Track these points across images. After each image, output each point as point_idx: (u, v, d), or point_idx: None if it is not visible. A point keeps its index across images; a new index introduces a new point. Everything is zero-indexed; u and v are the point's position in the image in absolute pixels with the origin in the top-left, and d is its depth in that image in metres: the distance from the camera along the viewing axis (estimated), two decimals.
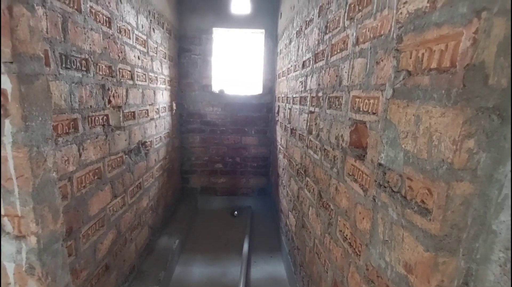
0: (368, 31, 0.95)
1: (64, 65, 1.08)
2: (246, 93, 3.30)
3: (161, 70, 2.47)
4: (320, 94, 1.46)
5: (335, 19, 1.27)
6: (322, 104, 1.42)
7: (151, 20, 2.14)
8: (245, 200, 3.45)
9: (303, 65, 1.85)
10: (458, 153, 0.44)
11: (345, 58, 1.13)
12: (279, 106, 2.87)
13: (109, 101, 1.47)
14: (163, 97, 2.54)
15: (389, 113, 0.61)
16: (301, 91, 1.89)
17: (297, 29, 2.07)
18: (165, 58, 2.58)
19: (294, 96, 2.12)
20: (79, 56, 1.19)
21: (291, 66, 2.27)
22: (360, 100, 0.99)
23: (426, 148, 0.51)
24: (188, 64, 3.17)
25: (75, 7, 1.16)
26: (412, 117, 0.54)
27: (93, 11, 1.31)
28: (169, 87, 2.75)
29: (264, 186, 3.52)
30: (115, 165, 1.56)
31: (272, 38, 3.14)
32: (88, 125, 1.27)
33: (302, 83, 1.88)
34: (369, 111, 0.92)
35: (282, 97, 2.66)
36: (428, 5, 0.49)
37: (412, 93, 0.54)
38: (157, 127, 2.35)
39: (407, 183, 0.56)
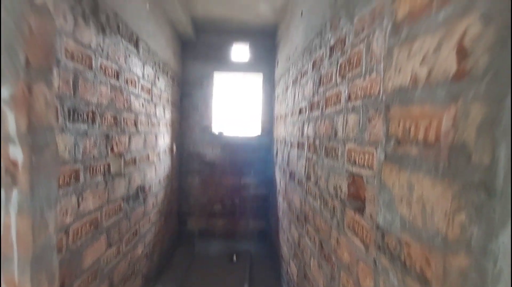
0: (359, 89, 1.02)
1: (71, 119, 1.14)
2: (245, 134, 3.38)
3: (164, 114, 2.56)
4: (317, 142, 1.50)
5: (328, 74, 1.37)
6: (319, 152, 1.46)
7: (156, 70, 2.28)
8: (244, 243, 3.32)
9: (300, 112, 1.94)
10: (451, 225, 0.45)
11: (339, 112, 1.20)
12: (277, 148, 2.92)
13: (112, 150, 1.50)
14: (164, 140, 2.59)
15: (383, 175, 0.63)
16: (298, 137, 1.95)
17: (293, 78, 2.21)
18: (167, 103, 2.70)
19: (292, 140, 2.18)
20: (87, 109, 1.26)
21: (289, 111, 2.37)
22: (356, 153, 1.02)
23: (421, 216, 0.52)
24: (189, 107, 3.30)
25: (87, 64, 1.26)
26: (405, 183, 0.56)
27: (103, 66, 1.41)
28: (170, 130, 2.82)
29: (264, 229, 3.41)
30: (113, 213, 1.54)
31: (270, 83, 3.32)
32: (90, 174, 1.29)
33: (299, 129, 1.95)
34: (365, 165, 0.94)
35: (281, 140, 2.72)
36: (410, 84, 0.55)
37: (403, 161, 0.57)
38: (157, 171, 2.36)
39: (406, 249, 0.56)
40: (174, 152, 3.00)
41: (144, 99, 2.03)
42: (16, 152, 0.54)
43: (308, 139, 1.70)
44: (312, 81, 1.65)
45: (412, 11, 0.55)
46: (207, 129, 3.32)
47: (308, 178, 1.68)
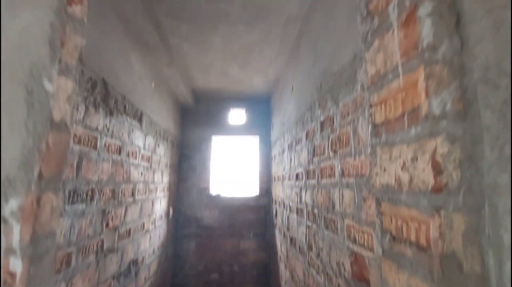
0: (351, 167, 1.07)
1: (70, 201, 1.15)
2: (243, 195, 3.35)
3: (162, 179, 2.58)
4: (315, 211, 1.50)
5: (321, 147, 1.44)
6: (318, 222, 1.44)
7: (157, 138, 2.39)
8: None
9: (297, 177, 1.97)
10: None
11: (335, 185, 1.23)
12: (276, 209, 2.87)
13: (107, 225, 1.47)
14: (160, 205, 2.55)
15: (383, 272, 0.62)
16: (297, 202, 1.94)
17: (289, 143, 2.31)
18: (166, 167, 2.74)
19: (291, 204, 2.16)
20: (87, 188, 1.28)
21: (286, 174, 2.41)
22: (355, 231, 1.02)
23: None
24: (188, 169, 3.34)
25: (92, 145, 1.33)
26: (405, 285, 0.56)
27: (107, 144, 1.48)
28: (167, 193, 2.80)
29: None
30: None
31: (266, 144, 3.44)
32: (82, 256, 1.23)
33: (297, 195, 1.95)
34: (365, 245, 0.93)
35: (279, 202, 2.70)
36: (396, 185, 0.59)
37: (400, 260, 0.57)
38: (151, 239, 2.27)
39: None
40: (171, 216, 2.93)
41: (143, 167, 2.07)
42: (16, 264, 0.54)
43: (306, 207, 1.70)
44: (306, 149, 1.73)
45: (387, 120, 0.63)
46: (205, 191, 3.30)
47: (309, 248, 1.62)
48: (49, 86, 0.58)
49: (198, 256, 3.14)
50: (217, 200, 3.27)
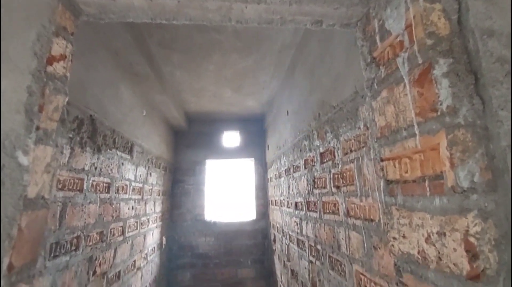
0: (357, 208, 1.01)
1: (52, 255, 1.04)
2: (239, 219, 3.24)
3: (154, 208, 2.46)
4: (319, 247, 1.42)
5: (322, 179, 1.39)
6: (323, 260, 1.36)
7: (149, 167, 2.29)
8: None
9: (296, 207, 1.90)
10: None
11: (339, 223, 1.16)
12: (275, 235, 2.77)
13: (94, 273, 1.35)
14: (153, 237, 2.42)
15: None
16: (297, 233, 1.86)
17: (285, 167, 2.25)
18: (159, 195, 2.63)
19: (290, 234, 2.07)
20: (71, 236, 1.17)
21: (283, 200, 2.33)
22: (366, 279, 0.94)
23: None
24: (181, 194, 3.22)
25: (78, 188, 1.23)
26: None
27: (95, 184, 1.38)
28: (160, 223, 2.67)
29: None
30: None
31: (262, 165, 3.37)
32: None
33: (297, 224, 1.87)
34: None
35: (278, 227, 2.60)
36: (420, 259, 0.53)
37: None
38: (143, 277, 2.12)
39: None
40: (164, 247, 2.78)
41: (134, 201, 1.96)
42: None
43: (308, 240, 1.62)
44: (306, 179, 1.67)
45: (404, 180, 0.58)
46: (199, 216, 3.17)
47: (313, 285, 1.53)
48: (23, 159, 0.50)
49: None
50: (212, 227, 3.14)
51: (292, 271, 2.01)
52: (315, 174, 1.49)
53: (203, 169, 3.32)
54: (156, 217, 2.55)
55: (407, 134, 0.57)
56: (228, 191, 3.40)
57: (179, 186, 3.24)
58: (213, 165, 3.43)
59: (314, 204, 1.51)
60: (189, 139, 3.37)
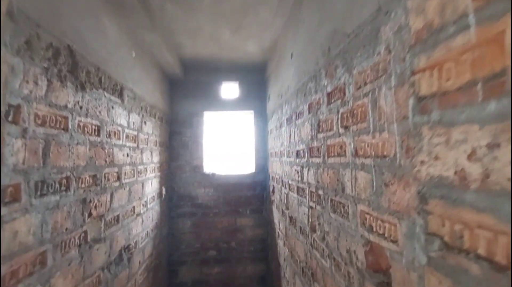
0: (368, 146, 0.92)
1: (39, 193, 0.97)
2: (238, 172, 3.23)
3: (151, 158, 2.41)
4: (320, 192, 1.38)
5: (328, 121, 1.28)
6: (324, 204, 1.32)
7: (143, 115, 2.17)
8: None
9: (298, 155, 1.83)
10: None
11: (345, 165, 1.09)
12: (273, 186, 2.78)
13: (90, 214, 1.32)
14: (152, 186, 2.41)
15: (428, 283, 0.50)
16: (298, 181, 1.82)
17: (287, 116, 2.13)
18: (155, 145, 2.55)
19: (290, 182, 2.05)
20: (59, 176, 1.10)
21: (284, 150, 2.27)
22: (372, 218, 0.89)
23: None
24: (179, 147, 3.16)
25: (62, 126, 1.12)
26: None
27: (81, 124, 1.27)
28: (158, 174, 2.65)
29: (264, 274, 3.15)
30: None
31: (262, 117, 3.25)
32: (61, 252, 1.09)
33: (298, 173, 1.83)
34: (386, 236, 0.81)
35: (277, 178, 2.59)
36: (456, 180, 0.43)
37: (459, 277, 0.44)
38: (143, 223, 2.15)
39: None
40: (164, 196, 2.81)
41: (129, 148, 1.88)
42: None
43: (309, 186, 1.58)
44: (309, 124, 1.57)
45: (443, 91, 0.46)
46: (198, 169, 3.16)
47: (312, 229, 1.53)
48: None
49: (194, 235, 3.09)
50: (212, 179, 3.15)
51: (291, 218, 2.03)
52: (320, 117, 1.38)
53: (201, 121, 3.21)
54: (154, 167, 2.51)
55: (456, 29, 0.44)
56: (227, 144, 3.33)
57: (176, 138, 3.16)
58: (211, 117, 3.31)
59: (318, 149, 1.43)
60: (185, 89, 3.19)
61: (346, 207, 1.09)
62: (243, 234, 3.15)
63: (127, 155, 1.83)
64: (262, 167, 3.22)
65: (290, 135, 2.04)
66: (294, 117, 1.94)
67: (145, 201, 2.21)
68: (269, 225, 3.05)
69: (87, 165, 1.32)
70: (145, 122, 2.22)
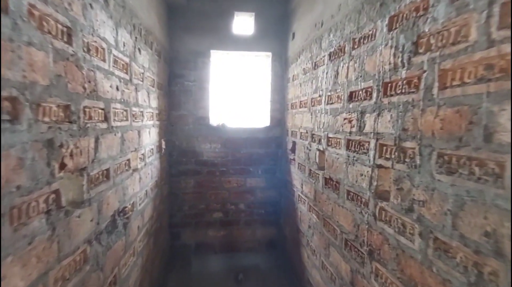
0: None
1: None
2: (250, 125, 2.76)
3: (149, 102, 1.88)
4: (410, 144, 0.93)
5: (448, 29, 0.78)
6: (419, 161, 0.89)
7: (136, 38, 1.59)
8: (252, 257, 2.78)
9: (351, 98, 1.35)
10: None
11: (498, 95, 0.62)
12: (294, 143, 2.35)
13: (62, 166, 0.85)
14: (150, 137, 1.93)
15: None
16: (349, 132, 1.37)
17: (332, 49, 1.60)
18: (153, 86, 2.01)
19: (330, 135, 1.60)
20: None
21: (320, 96, 1.78)
22: None
23: None
24: (181, 93, 2.61)
25: None
26: None
27: (36, 14, 0.73)
28: (157, 123, 2.15)
29: (274, 238, 2.88)
30: (72, 271, 0.91)
31: (281, 62, 2.68)
32: (11, 226, 0.64)
33: (349, 121, 1.37)
34: None
35: (302, 133, 2.14)
36: None
37: None
38: (141, 180, 1.71)
39: None
40: (163, 151, 2.35)
41: (120, 80, 1.35)
42: None
43: (377, 137, 1.13)
44: (391, 46, 1.06)
45: None
46: (203, 120, 2.66)
47: (378, 195, 1.12)
48: None
49: (198, 195, 2.72)
50: (219, 132, 2.68)
51: (328, 179, 1.62)
52: (425, 30, 0.87)
53: (207, 62, 2.61)
54: (153, 113, 2.00)
55: None
56: (237, 92, 2.79)
57: (177, 82, 2.59)
58: (219, 58, 2.72)
59: (405, 83, 0.95)
60: (188, 20, 2.53)
61: (487, 166, 0.65)
62: (253, 195, 2.80)
63: (117, 88, 1.31)
64: (278, 120, 2.75)
65: (337, 74, 1.53)
66: (347, 48, 1.41)
67: (143, 154, 1.75)
68: (284, 187, 2.70)
69: (52, 87, 0.80)
70: (139, 50, 1.65)
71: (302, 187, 2.16)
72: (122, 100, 1.38)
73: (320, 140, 1.76)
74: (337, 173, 1.52)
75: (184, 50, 2.56)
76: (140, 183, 1.68)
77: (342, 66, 1.47)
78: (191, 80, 2.60)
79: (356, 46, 1.33)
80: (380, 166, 1.12)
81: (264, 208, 2.83)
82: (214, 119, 2.73)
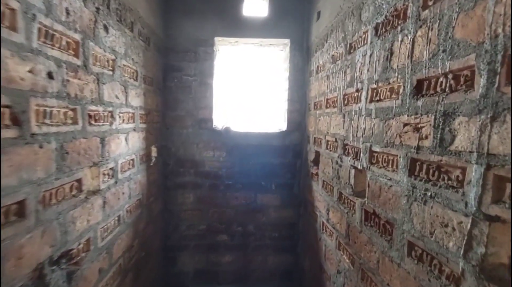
0: None
1: None
2: (262, 130, 2.26)
3: (125, 99, 1.44)
4: None
5: None
6: None
7: (98, 9, 1.14)
8: None
9: (421, 89, 0.81)
10: None
11: None
12: (318, 153, 1.81)
13: None
14: (128, 144, 1.48)
15: None
16: (415, 147, 0.82)
17: (382, 18, 1.06)
18: (135, 80, 1.57)
19: (375, 149, 1.05)
20: None
21: (356, 90, 1.24)
22: None
23: None
24: (178, 90, 2.16)
25: None
26: None
27: None
28: (143, 126, 1.71)
29: (290, 268, 2.35)
30: None
31: (302, 51, 2.16)
32: None
33: (416, 129, 0.82)
34: None
35: (329, 142, 1.60)
36: None
37: None
38: (108, 204, 1.26)
39: None
40: (154, 160, 1.91)
41: (61, 64, 0.90)
42: None
43: (474, 159, 0.59)
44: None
45: None
46: (205, 123, 2.20)
47: (488, 274, 0.58)
48: None
49: (198, 213, 2.26)
50: (224, 137, 2.20)
51: (374, 214, 1.07)
52: None
53: (211, 52, 2.15)
54: (134, 114, 1.56)
55: None
56: (247, 89, 2.31)
57: (174, 76, 2.15)
58: (226, 47, 2.24)
59: None
60: (187, 1, 2.09)
61: None
62: (265, 215, 2.29)
63: (50, 75, 0.86)
64: (298, 124, 2.22)
65: (392, 53, 0.98)
66: (416, 6, 0.87)
67: (112, 169, 1.30)
68: (303, 207, 2.17)
69: None
70: (105, 27, 1.21)
71: (328, 214, 1.62)
72: (63, 94, 0.93)
73: (357, 154, 1.22)
74: (388, 208, 0.97)
75: (183, 37, 2.12)
76: (104, 210, 1.23)
77: (402, 41, 0.92)
78: (190, 74, 2.15)
79: (431, 2, 0.78)
80: (493, 219, 0.57)
81: (278, 231, 2.31)
82: (218, 122, 2.26)
